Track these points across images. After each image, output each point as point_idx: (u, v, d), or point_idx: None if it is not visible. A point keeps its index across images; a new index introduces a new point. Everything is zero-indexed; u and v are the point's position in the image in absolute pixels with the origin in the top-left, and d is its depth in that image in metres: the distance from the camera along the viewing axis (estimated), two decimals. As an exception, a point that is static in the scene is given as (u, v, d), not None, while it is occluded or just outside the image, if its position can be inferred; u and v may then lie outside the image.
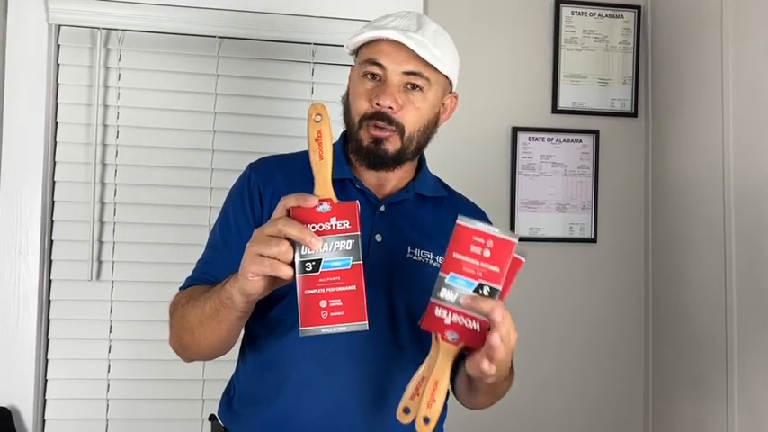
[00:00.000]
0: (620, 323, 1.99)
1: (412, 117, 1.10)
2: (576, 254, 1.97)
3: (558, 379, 1.95)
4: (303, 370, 1.05)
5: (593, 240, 1.98)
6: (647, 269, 2.00)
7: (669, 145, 1.92)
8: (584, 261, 1.98)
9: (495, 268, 0.86)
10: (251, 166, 1.18)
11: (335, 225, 0.85)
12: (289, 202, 0.87)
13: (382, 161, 1.11)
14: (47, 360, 1.76)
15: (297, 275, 0.84)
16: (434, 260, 1.12)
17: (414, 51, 1.07)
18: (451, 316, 0.88)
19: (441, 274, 0.88)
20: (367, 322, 0.84)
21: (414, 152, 1.14)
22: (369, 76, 1.10)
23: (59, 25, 1.76)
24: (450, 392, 1.20)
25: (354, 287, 0.84)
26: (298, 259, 0.84)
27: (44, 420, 1.76)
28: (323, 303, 0.84)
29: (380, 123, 1.08)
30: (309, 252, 0.84)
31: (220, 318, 0.97)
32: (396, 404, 1.02)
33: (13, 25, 1.74)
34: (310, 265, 0.84)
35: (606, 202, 1.99)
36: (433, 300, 0.89)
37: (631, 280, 2.00)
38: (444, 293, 0.88)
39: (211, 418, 1.19)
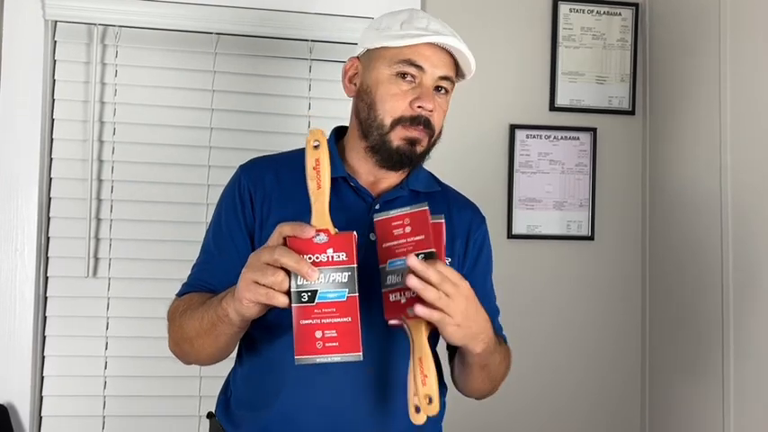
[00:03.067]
0: (618, 320, 1.99)
1: (440, 120, 1.12)
2: (574, 251, 1.98)
3: (555, 375, 1.95)
4: (300, 373, 1.04)
5: (591, 238, 1.98)
6: (644, 266, 2.00)
7: (667, 143, 1.92)
8: (582, 259, 1.98)
9: (420, 237, 0.90)
10: (241, 167, 1.17)
11: (332, 257, 0.85)
12: (285, 230, 0.87)
13: (410, 162, 1.11)
14: (43, 357, 1.76)
15: (292, 305, 0.85)
16: None
17: (448, 56, 1.08)
18: (404, 294, 0.90)
19: (380, 267, 0.91)
20: (361, 354, 0.85)
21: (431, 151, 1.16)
22: (401, 75, 1.08)
23: (56, 21, 1.75)
24: (448, 390, 1.20)
25: (350, 319, 0.85)
26: (293, 288, 0.84)
27: (41, 417, 1.75)
28: (318, 334, 0.85)
29: (420, 128, 1.08)
30: (305, 282, 0.84)
31: (218, 332, 0.98)
32: (395, 402, 1.02)
33: (10, 21, 1.73)
34: (306, 296, 0.84)
35: (604, 199, 1.99)
36: (383, 290, 0.91)
37: (629, 277, 2.00)
38: (390, 279, 0.91)
39: (209, 415, 1.19)
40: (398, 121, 1.08)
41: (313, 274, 0.83)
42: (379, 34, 1.11)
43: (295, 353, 0.85)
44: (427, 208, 0.91)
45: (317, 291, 0.84)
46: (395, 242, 0.90)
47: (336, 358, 0.84)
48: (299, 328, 0.84)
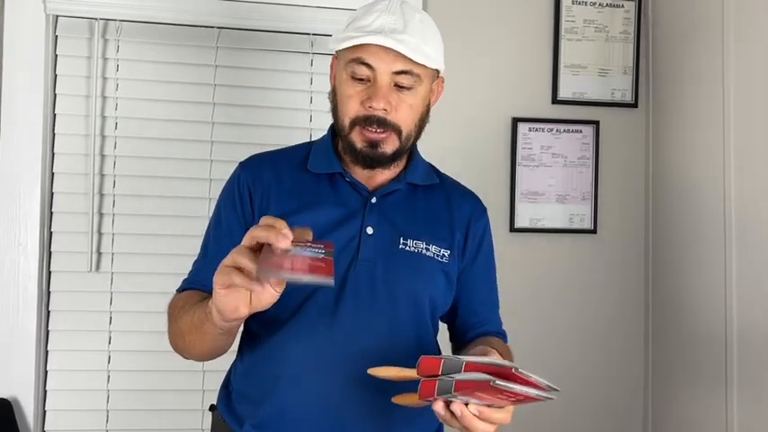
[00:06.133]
0: (621, 313, 1.99)
1: (407, 116, 1.08)
2: (577, 245, 1.97)
3: (557, 368, 1.95)
4: (298, 366, 1.05)
5: (594, 231, 1.97)
6: (647, 259, 2.00)
7: (669, 135, 1.91)
8: (585, 252, 1.98)
9: (511, 400, 0.84)
10: (241, 164, 1.17)
11: (308, 245, 0.81)
12: (259, 235, 0.80)
13: (379, 162, 1.09)
14: (47, 351, 1.76)
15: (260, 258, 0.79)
16: (427, 249, 1.11)
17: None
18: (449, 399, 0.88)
19: (454, 392, 0.85)
20: (332, 280, 0.78)
21: (410, 147, 1.14)
22: (356, 76, 1.06)
23: (57, 16, 1.75)
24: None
25: (323, 264, 0.78)
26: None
27: (44, 411, 1.76)
28: (287, 263, 0.77)
29: (374, 128, 1.06)
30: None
31: (204, 330, 0.96)
32: (393, 395, 1.01)
33: (11, 16, 1.73)
34: None
35: (606, 192, 1.99)
36: (437, 397, 0.86)
37: (631, 270, 2.00)
38: (448, 396, 0.86)
39: (212, 408, 1.20)
40: (355, 123, 1.07)
41: (283, 240, 0.78)
42: (334, 36, 1.11)
43: (258, 271, 0.78)
44: (552, 397, 0.84)
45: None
46: (490, 397, 0.84)
47: (305, 279, 0.77)
48: (265, 262, 0.77)
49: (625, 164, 2.01)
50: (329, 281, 0.77)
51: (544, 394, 0.81)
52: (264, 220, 0.81)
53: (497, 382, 0.79)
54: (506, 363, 0.84)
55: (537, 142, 1.95)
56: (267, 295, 0.82)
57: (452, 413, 0.86)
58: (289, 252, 0.78)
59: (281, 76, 1.87)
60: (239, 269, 0.80)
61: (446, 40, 1.13)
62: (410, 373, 0.93)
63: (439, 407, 0.87)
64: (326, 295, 1.05)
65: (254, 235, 0.80)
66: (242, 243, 0.82)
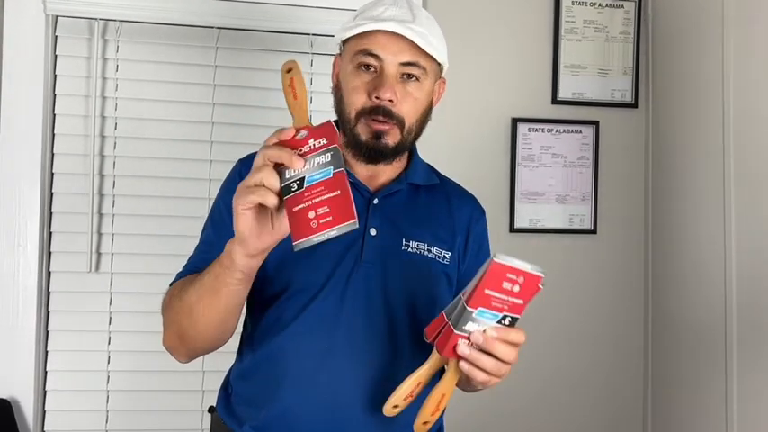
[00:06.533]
0: (620, 314, 1.99)
1: (411, 109, 1.08)
2: (576, 245, 1.97)
3: (556, 370, 1.95)
4: (299, 367, 1.04)
5: (594, 232, 1.97)
6: (646, 260, 2.00)
7: (669, 135, 1.91)
8: (585, 252, 1.98)
9: (519, 300, 0.88)
10: (240, 161, 1.17)
11: (314, 145, 0.86)
12: (270, 140, 0.87)
13: (382, 155, 1.09)
14: (46, 352, 1.76)
15: (284, 197, 0.85)
16: (429, 251, 1.12)
17: (409, 41, 1.04)
18: (472, 345, 0.90)
19: (468, 308, 0.88)
20: (356, 220, 0.84)
21: (411, 143, 1.13)
22: (363, 67, 1.07)
23: (57, 16, 1.75)
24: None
25: (339, 192, 0.85)
26: (283, 185, 0.85)
27: (44, 412, 1.76)
28: (311, 214, 0.84)
29: (380, 118, 1.06)
30: (292, 174, 0.85)
31: (220, 284, 0.93)
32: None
33: (11, 16, 1.73)
34: (295, 185, 0.85)
35: (606, 193, 1.99)
36: (457, 332, 0.89)
37: (631, 271, 2.00)
38: (470, 326, 0.89)
39: (211, 409, 1.19)
40: (360, 114, 1.07)
41: (298, 161, 0.84)
42: (342, 26, 1.12)
43: (292, 240, 0.84)
44: (543, 276, 0.89)
45: (304, 177, 0.85)
46: (496, 293, 0.87)
47: (333, 232, 0.84)
48: (293, 215, 0.84)
49: (625, 164, 2.01)
50: (353, 223, 0.84)
51: (537, 270, 0.87)
52: (271, 139, 0.86)
53: (498, 256, 0.86)
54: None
55: (537, 142, 1.95)
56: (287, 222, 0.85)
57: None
58: (304, 182, 0.84)
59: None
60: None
61: (446, 40, 1.13)
62: (417, 373, 0.94)
63: (463, 347, 0.89)
64: (330, 298, 1.05)
65: (269, 154, 0.84)
66: (257, 163, 0.85)
